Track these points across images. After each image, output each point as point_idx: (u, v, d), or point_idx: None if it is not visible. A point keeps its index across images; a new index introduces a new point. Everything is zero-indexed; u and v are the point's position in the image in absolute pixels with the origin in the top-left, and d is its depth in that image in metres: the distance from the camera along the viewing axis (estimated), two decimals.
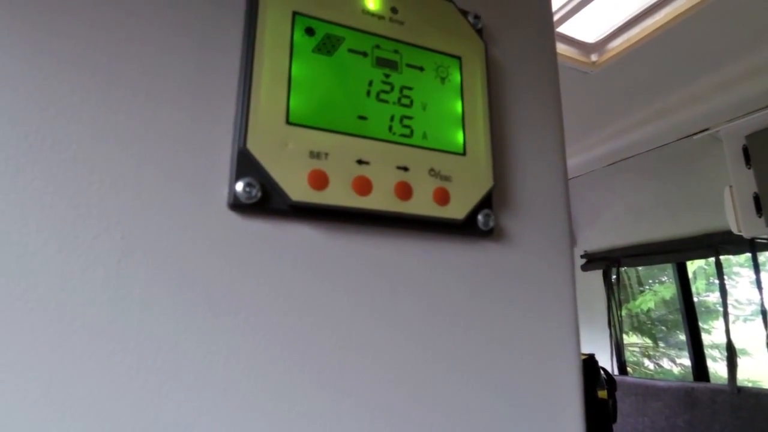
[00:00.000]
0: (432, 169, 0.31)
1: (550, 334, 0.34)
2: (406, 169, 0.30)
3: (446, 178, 0.31)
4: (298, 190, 0.27)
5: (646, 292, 4.03)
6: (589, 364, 1.81)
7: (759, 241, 1.85)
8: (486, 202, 0.32)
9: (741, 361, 2.13)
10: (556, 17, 1.38)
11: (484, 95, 0.34)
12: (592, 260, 2.59)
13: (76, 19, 0.26)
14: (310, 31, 0.29)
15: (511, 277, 0.33)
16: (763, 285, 1.93)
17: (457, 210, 0.31)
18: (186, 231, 0.26)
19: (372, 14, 0.31)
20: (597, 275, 2.60)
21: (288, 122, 0.27)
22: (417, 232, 0.31)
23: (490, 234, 0.33)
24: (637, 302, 3.96)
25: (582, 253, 2.64)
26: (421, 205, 0.30)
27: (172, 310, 0.24)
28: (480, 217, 0.32)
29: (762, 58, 1.44)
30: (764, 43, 1.39)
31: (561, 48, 1.46)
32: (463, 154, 0.32)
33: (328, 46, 0.30)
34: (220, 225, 0.26)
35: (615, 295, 2.51)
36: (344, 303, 0.28)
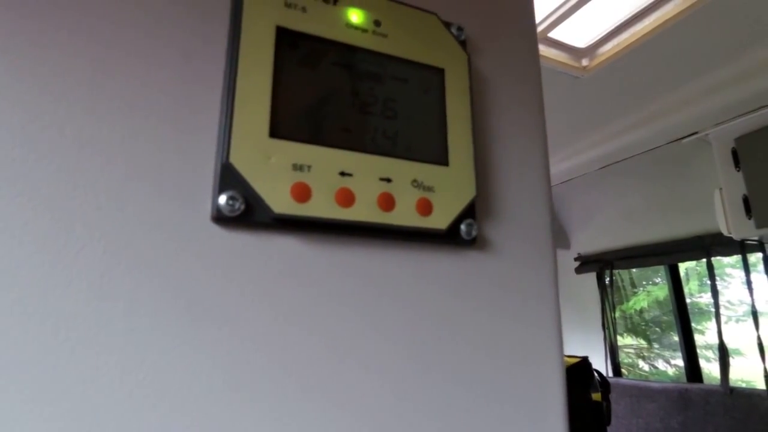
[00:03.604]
0: (415, 180, 0.31)
1: (533, 341, 0.34)
2: (389, 180, 0.30)
3: (429, 189, 0.31)
4: (281, 202, 0.27)
5: (639, 293, 4.06)
6: (583, 367, 1.82)
7: (749, 242, 1.87)
8: (469, 212, 0.33)
9: (734, 362, 2.15)
10: (546, 22, 1.39)
11: (468, 106, 0.34)
12: (585, 263, 2.61)
13: (59, 30, 0.26)
14: (293, 45, 0.30)
15: (494, 285, 0.34)
16: (755, 286, 1.94)
17: (439, 220, 0.31)
18: (169, 244, 0.26)
19: (355, 27, 0.32)
20: (591, 277, 2.62)
21: (271, 136, 0.28)
22: (401, 242, 0.31)
23: (473, 243, 0.33)
24: (631, 303, 3.98)
25: (575, 255, 2.65)
26: (404, 216, 0.30)
27: (156, 323, 0.25)
28: (463, 227, 0.32)
29: (749, 62, 1.46)
30: (751, 47, 1.41)
31: (552, 53, 1.47)
32: (446, 165, 0.32)
33: (311, 60, 0.30)
34: (204, 238, 0.27)
35: (608, 297, 2.53)
36: (329, 313, 0.29)
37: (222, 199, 0.26)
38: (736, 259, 2.23)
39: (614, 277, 2.56)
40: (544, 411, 0.33)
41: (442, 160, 0.32)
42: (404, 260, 0.31)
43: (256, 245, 0.28)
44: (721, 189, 1.77)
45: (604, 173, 2.12)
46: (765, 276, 1.92)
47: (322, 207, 0.28)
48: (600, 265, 2.52)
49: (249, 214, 0.27)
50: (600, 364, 2.48)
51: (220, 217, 0.26)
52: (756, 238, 1.79)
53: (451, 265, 0.33)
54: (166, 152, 0.27)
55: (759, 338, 1.86)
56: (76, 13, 0.27)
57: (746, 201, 1.68)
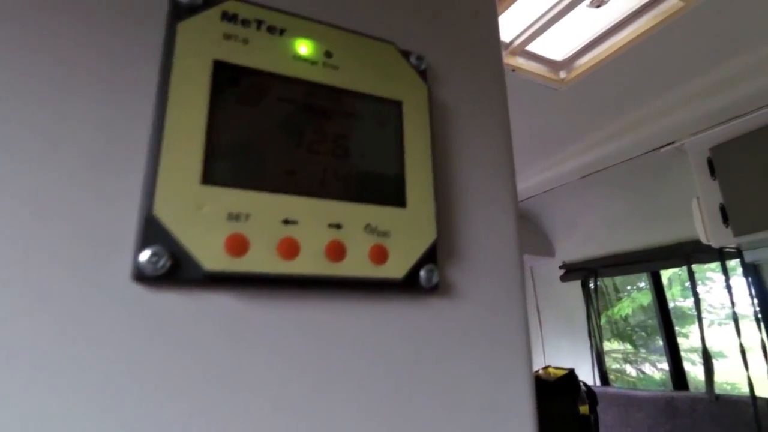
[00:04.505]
0: (368, 225, 0.28)
1: (503, 393, 0.31)
2: (339, 226, 0.28)
3: (384, 234, 0.29)
4: (212, 258, 0.24)
5: (624, 299, 4.09)
6: (570, 379, 1.81)
7: (727, 250, 1.88)
8: (429, 257, 0.30)
9: (718, 364, 2.16)
10: (524, 36, 1.39)
11: (428, 141, 0.32)
12: (570, 271, 2.61)
13: None
14: (233, 81, 0.27)
15: (459, 332, 0.31)
16: (736, 290, 1.95)
17: (396, 268, 0.28)
18: (83, 307, 0.23)
19: (304, 59, 0.29)
20: (576, 285, 2.62)
21: (203, 182, 0.25)
22: (353, 292, 0.29)
23: (435, 290, 0.31)
24: (616, 309, 4.01)
25: (560, 264, 2.65)
26: (356, 265, 0.27)
27: (67, 398, 0.22)
28: (422, 273, 0.30)
29: (722, 74, 1.48)
30: (724, 59, 1.43)
31: (531, 66, 1.47)
32: (404, 206, 0.30)
33: (253, 96, 0.27)
34: (123, 299, 0.24)
35: (594, 304, 2.53)
36: (273, 374, 0.26)
37: (144, 256, 0.23)
38: (716, 263, 2.24)
39: (599, 283, 2.56)
40: None
41: (399, 201, 0.30)
42: (357, 312, 0.29)
43: (186, 305, 0.25)
44: (698, 198, 1.78)
45: (586, 182, 2.13)
46: (744, 280, 1.93)
47: (261, 260, 0.25)
48: (585, 273, 2.53)
49: (176, 271, 0.24)
50: (587, 371, 2.47)
51: (142, 277, 0.24)
52: (734, 245, 1.80)
53: (411, 314, 0.30)
54: (84, 198, 0.24)
55: (741, 345, 1.86)
56: None
57: (723, 209, 1.70)
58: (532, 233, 2.68)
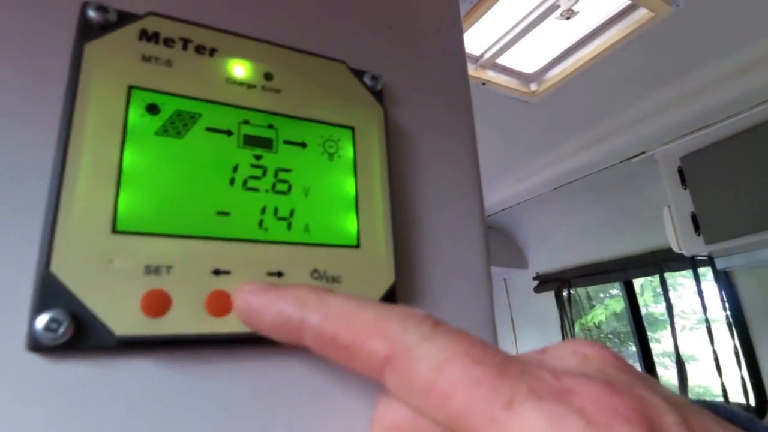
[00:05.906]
0: (315, 271, 0.25)
1: None
2: (280, 274, 0.24)
3: (334, 280, 0.25)
4: (126, 321, 0.20)
5: (597, 307, 4.15)
6: None
7: (699, 258, 1.91)
8: (387, 302, 0.27)
9: (690, 367, 2.19)
10: (494, 49, 1.38)
11: (384, 170, 0.29)
12: (544, 282, 2.62)
13: None
14: (152, 109, 0.23)
15: None
16: (707, 295, 1.98)
17: None
18: None
19: (239, 83, 0.26)
20: (549, 295, 2.63)
21: (115, 230, 0.21)
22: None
23: None
24: (589, 317, 4.06)
25: (534, 275, 2.66)
26: None
27: None
28: None
29: (691, 84, 1.51)
30: (693, 70, 1.45)
31: (501, 79, 1.47)
32: (357, 246, 0.27)
33: (177, 127, 0.24)
34: (18, 372, 0.20)
35: (567, 314, 2.54)
36: None
37: (40, 323, 0.19)
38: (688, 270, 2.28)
39: (572, 292, 2.58)
40: None
41: (350, 240, 0.27)
42: (306, 368, 0.25)
43: (94, 375, 0.21)
44: (669, 207, 1.81)
45: (558, 193, 2.14)
46: (715, 286, 1.96)
47: (185, 320, 0.21)
48: (558, 283, 2.54)
49: (81, 338, 0.20)
50: None
51: (39, 347, 0.20)
52: (706, 254, 1.83)
53: None
54: None
55: (715, 353, 1.89)
56: None
57: (695, 218, 1.72)
58: (505, 245, 2.69)
